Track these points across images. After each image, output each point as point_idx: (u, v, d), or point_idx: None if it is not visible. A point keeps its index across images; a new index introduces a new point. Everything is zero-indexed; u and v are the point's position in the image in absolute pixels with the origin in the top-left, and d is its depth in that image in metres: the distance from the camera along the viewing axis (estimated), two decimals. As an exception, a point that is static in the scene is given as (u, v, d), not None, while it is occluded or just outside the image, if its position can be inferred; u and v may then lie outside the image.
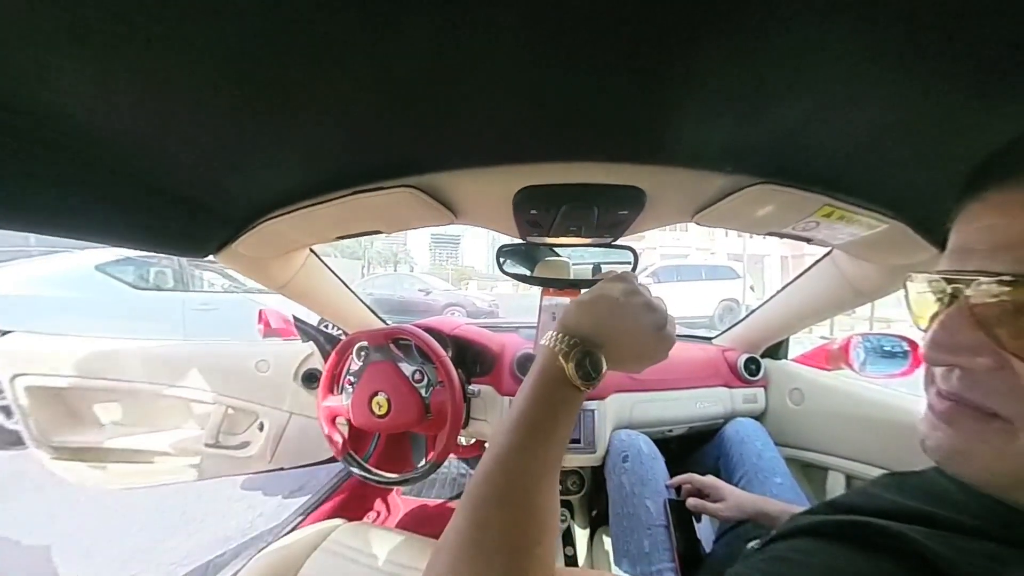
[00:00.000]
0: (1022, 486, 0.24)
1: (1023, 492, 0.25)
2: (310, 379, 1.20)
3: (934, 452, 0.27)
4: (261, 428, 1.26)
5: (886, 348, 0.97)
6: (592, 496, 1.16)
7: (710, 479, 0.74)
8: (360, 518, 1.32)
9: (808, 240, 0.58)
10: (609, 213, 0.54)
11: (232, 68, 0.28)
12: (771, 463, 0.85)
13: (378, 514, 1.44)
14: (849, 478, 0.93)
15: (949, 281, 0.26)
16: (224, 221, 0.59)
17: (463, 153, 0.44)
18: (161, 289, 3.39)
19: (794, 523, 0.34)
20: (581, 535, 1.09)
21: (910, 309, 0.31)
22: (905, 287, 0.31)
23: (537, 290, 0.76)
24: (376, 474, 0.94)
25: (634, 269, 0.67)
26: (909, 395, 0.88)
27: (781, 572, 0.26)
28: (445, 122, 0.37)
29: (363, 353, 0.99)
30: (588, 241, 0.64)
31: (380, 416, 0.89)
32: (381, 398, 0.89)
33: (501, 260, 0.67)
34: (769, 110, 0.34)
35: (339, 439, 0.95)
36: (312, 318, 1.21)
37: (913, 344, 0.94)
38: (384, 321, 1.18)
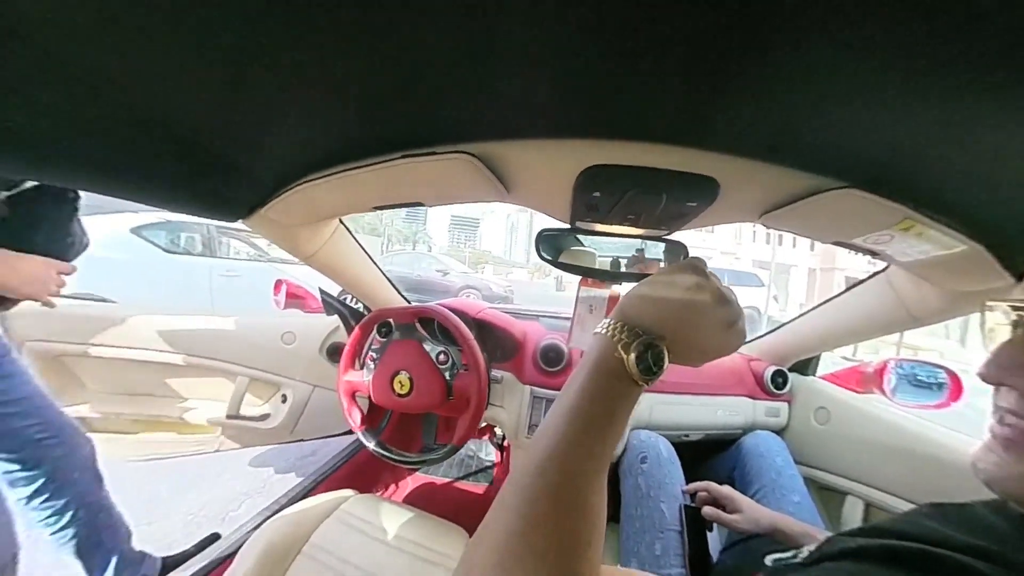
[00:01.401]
0: None
1: None
2: (336, 353, 1.21)
3: (984, 473, 0.28)
4: (284, 400, 1.30)
5: (921, 377, 0.92)
6: None
7: (727, 489, 0.72)
8: (370, 489, 1.36)
9: (874, 254, 0.54)
10: (677, 203, 0.50)
11: (272, 6, 0.25)
12: (790, 480, 0.83)
13: (387, 487, 1.48)
14: (868, 506, 0.91)
15: (1016, 308, 0.27)
16: (257, 183, 0.57)
17: (532, 120, 0.40)
18: (191, 254, 3.52)
19: (838, 545, 0.33)
20: None
21: (983, 335, 0.31)
22: (983, 314, 0.31)
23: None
24: (393, 452, 0.96)
25: None
26: (944, 429, 0.84)
27: None
28: (516, 82, 0.33)
29: (385, 330, 1.00)
30: (641, 232, 0.61)
31: (401, 395, 0.89)
32: (403, 377, 0.89)
33: (540, 245, 0.65)
34: (871, 113, 0.31)
35: (358, 414, 0.97)
36: (333, 290, 1.22)
37: (952, 375, 0.90)
38: (407, 300, 1.19)
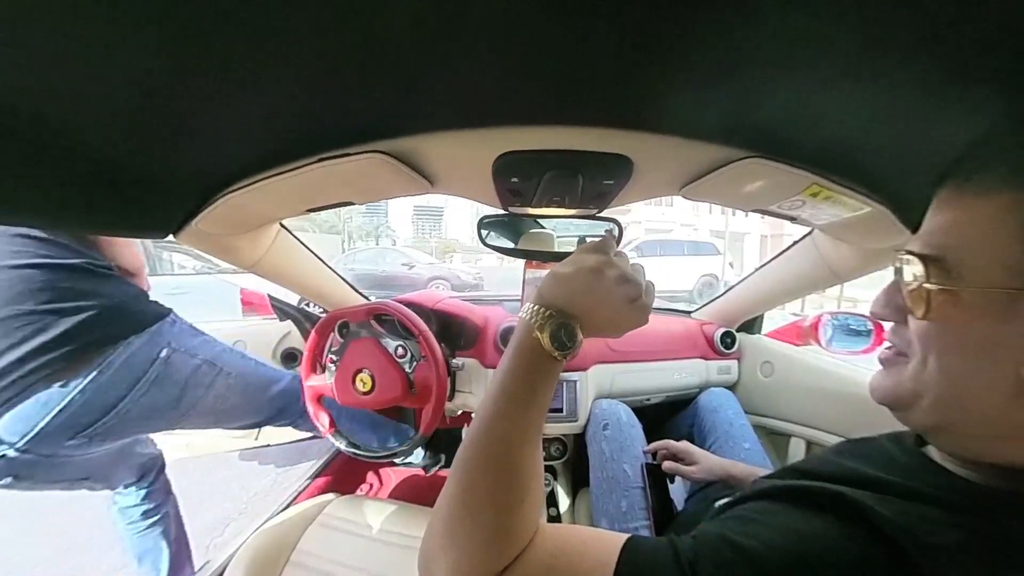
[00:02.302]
0: (944, 440, 0.29)
1: (954, 457, 0.29)
2: (289, 358, 1.19)
3: (875, 392, 0.33)
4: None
5: (852, 326, 1.02)
6: (574, 461, 1.22)
7: (684, 444, 0.78)
8: (353, 491, 1.35)
9: (793, 219, 0.58)
10: (594, 182, 0.52)
11: (173, 20, 0.25)
12: (741, 430, 0.91)
13: (371, 486, 1.48)
14: (809, 444, 1.00)
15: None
16: (181, 197, 0.54)
17: (437, 114, 0.41)
18: (128, 275, 3.24)
19: (758, 486, 0.37)
20: (564, 497, 1.15)
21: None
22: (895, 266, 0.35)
23: (521, 263, 0.75)
24: (364, 449, 0.96)
25: (618, 243, 0.67)
26: (866, 369, 0.94)
27: (744, 531, 0.28)
28: (417, 79, 0.33)
29: (344, 330, 0.98)
30: (572, 212, 0.62)
31: (364, 393, 0.89)
32: (365, 375, 0.89)
33: (483, 232, 0.65)
34: (767, 83, 0.33)
35: (325, 418, 0.96)
36: (292, 296, 1.18)
37: (876, 323, 0.99)
38: (365, 297, 1.17)
